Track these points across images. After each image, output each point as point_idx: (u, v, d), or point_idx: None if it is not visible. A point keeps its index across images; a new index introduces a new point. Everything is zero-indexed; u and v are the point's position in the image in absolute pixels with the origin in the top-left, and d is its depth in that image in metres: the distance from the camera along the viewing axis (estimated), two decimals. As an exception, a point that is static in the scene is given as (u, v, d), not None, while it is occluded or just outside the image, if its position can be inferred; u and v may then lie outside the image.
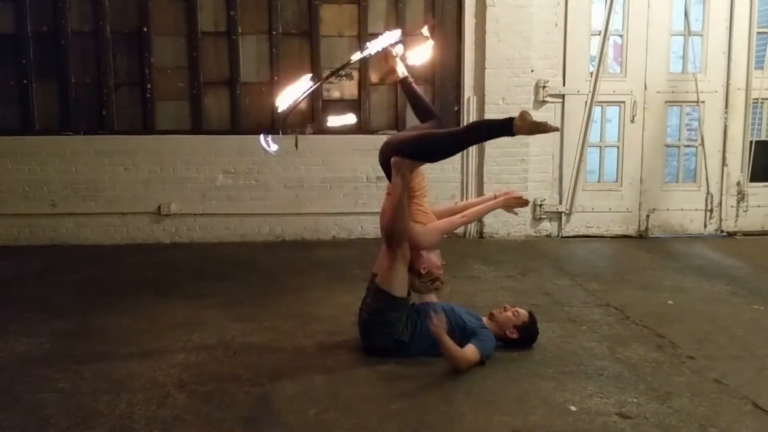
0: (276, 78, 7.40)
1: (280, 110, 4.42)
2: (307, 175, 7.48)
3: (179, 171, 7.43)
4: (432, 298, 4.17)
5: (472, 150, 7.45)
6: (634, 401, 3.39)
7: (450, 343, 3.70)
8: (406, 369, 3.77)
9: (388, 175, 4.00)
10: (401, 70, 4.25)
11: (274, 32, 7.38)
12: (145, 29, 7.29)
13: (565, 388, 3.56)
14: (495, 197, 4.26)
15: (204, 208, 7.48)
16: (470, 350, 3.76)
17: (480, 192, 7.47)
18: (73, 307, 5.02)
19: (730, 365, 3.87)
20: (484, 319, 4.10)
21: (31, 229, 7.37)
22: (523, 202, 4.22)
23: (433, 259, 4.06)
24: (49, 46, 7.29)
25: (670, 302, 5.17)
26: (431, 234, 4.00)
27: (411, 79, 4.29)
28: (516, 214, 4.46)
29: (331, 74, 5.62)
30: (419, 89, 4.38)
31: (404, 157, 3.89)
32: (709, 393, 3.50)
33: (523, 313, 4.13)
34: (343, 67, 5.51)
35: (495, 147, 7.46)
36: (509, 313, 4.10)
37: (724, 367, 3.84)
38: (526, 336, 4.10)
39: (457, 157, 7.21)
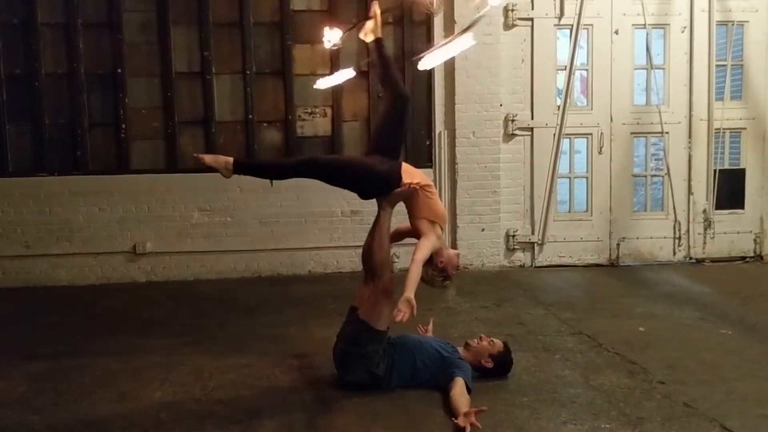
0: (250, 116, 7.49)
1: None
2: (282, 211, 7.53)
3: (154, 210, 7.44)
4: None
5: (445, 183, 7.57)
6: (606, 427, 3.47)
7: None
8: (382, 403, 3.82)
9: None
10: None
11: (248, 72, 7.49)
12: (119, 70, 7.36)
13: (539, 416, 3.63)
14: None
15: (180, 246, 7.48)
16: (462, 386, 3.80)
17: (453, 224, 7.58)
18: (48, 348, 4.99)
19: (700, 389, 3.98)
20: (460, 349, 4.18)
21: (4, 271, 7.30)
22: None
23: (452, 257, 4.16)
24: (22, 88, 7.31)
25: (641, 329, 5.28)
26: (424, 251, 4.01)
27: (383, 43, 4.34)
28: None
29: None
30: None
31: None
32: (679, 417, 3.60)
33: (498, 343, 4.21)
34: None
35: (467, 180, 7.60)
36: (485, 343, 4.18)
37: (694, 391, 3.95)
38: (501, 365, 4.17)
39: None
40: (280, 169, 4.39)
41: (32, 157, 7.39)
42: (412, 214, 4.13)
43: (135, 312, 6.18)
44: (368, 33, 4.29)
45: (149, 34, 7.43)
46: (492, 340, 4.20)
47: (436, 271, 4.07)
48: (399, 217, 4.22)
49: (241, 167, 3.99)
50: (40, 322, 5.86)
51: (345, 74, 5.08)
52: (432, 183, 4.24)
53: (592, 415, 3.62)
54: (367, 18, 4.31)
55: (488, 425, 3.48)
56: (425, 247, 3.93)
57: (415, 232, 4.10)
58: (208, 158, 3.97)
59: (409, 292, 3.72)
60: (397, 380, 3.99)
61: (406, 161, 4.31)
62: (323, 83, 5.23)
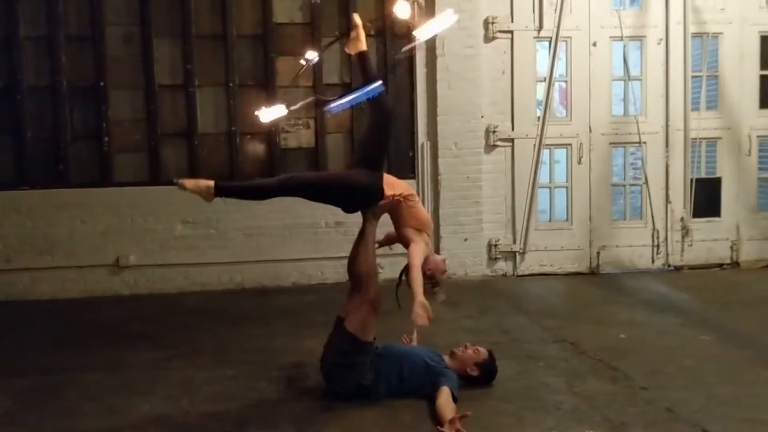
0: (234, 129, 7.52)
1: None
2: (266, 223, 7.54)
3: (137, 222, 7.42)
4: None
5: (428, 193, 7.65)
6: (591, 433, 3.54)
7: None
8: (370, 413, 3.86)
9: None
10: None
11: (231, 84, 7.52)
12: (102, 83, 7.35)
13: (525, 423, 3.69)
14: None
15: (163, 259, 7.46)
16: (448, 394, 3.84)
17: (437, 234, 7.64)
18: (32, 363, 4.96)
19: (681, 394, 4.06)
20: (445, 358, 4.23)
21: (-15, 285, 7.25)
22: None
23: (439, 263, 4.22)
24: (4, 101, 7.27)
25: (622, 336, 5.36)
26: (418, 255, 4.09)
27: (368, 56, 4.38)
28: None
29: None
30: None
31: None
32: (661, 422, 3.68)
33: (483, 351, 4.27)
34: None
35: (450, 191, 7.68)
36: (470, 351, 4.23)
37: (675, 396, 4.03)
38: (486, 373, 4.23)
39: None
40: (262, 190, 4.43)
41: (14, 170, 7.35)
42: (397, 224, 4.20)
43: (119, 325, 6.15)
44: (353, 46, 4.30)
45: (132, 47, 7.45)
46: (477, 349, 4.25)
47: (425, 278, 4.13)
48: (383, 228, 4.28)
49: (222, 191, 4.00)
50: (23, 337, 5.80)
51: (280, 110, 5.11)
52: (414, 192, 4.31)
53: (577, 421, 3.68)
54: (349, 31, 4.34)
55: (475, 433, 3.54)
56: (417, 252, 4.01)
57: (401, 242, 4.17)
58: (189, 183, 3.97)
59: (420, 296, 3.79)
60: (384, 390, 4.02)
61: (390, 172, 4.37)
62: (265, 115, 5.22)
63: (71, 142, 7.38)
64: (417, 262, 3.95)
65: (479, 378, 4.20)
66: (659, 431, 3.56)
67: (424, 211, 4.31)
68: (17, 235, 7.28)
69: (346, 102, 4.18)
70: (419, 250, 4.02)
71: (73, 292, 7.34)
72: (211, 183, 3.93)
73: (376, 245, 4.26)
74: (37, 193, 7.30)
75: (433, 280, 4.16)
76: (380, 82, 4.07)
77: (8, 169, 7.34)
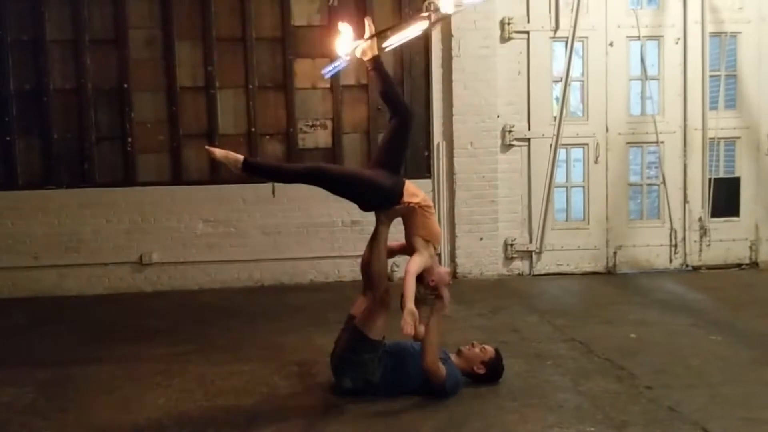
0: (253, 129, 7.67)
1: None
2: (284, 222, 7.69)
3: (160, 221, 7.61)
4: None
5: (444, 193, 7.73)
6: (591, 430, 3.60)
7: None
8: (377, 409, 3.96)
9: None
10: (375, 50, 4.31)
11: (251, 86, 7.66)
12: (125, 86, 7.55)
13: (527, 420, 3.76)
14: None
15: (185, 257, 7.64)
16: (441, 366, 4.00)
17: (452, 233, 7.73)
18: (56, 357, 5.15)
19: (685, 393, 4.09)
20: (452, 356, 4.31)
21: (14, 281, 7.47)
22: None
23: (443, 275, 4.30)
24: (31, 103, 7.51)
25: (632, 336, 5.39)
26: (417, 264, 4.18)
27: (382, 60, 4.37)
28: None
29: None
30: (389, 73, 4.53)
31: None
32: (662, 420, 3.73)
33: (489, 349, 4.35)
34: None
35: (465, 190, 7.75)
36: (476, 350, 4.32)
37: (679, 395, 4.07)
38: (492, 371, 4.30)
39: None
40: (286, 173, 4.53)
41: (41, 170, 7.57)
42: (408, 230, 4.29)
43: (141, 321, 6.34)
44: (365, 52, 4.31)
45: (154, 50, 7.62)
46: (483, 347, 4.34)
47: (428, 289, 4.22)
48: (393, 230, 4.37)
49: (249, 167, 4.13)
50: (49, 331, 6.02)
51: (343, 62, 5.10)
52: (432, 204, 4.37)
53: (578, 419, 3.75)
54: (369, 37, 4.31)
55: (477, 429, 3.63)
56: (418, 261, 4.10)
57: (408, 249, 4.26)
58: (219, 153, 4.10)
59: (410, 304, 3.89)
60: (391, 387, 4.12)
61: (406, 172, 4.48)
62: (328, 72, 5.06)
63: (96, 143, 7.59)
64: (414, 270, 4.04)
65: (485, 376, 4.28)
66: (659, 429, 3.60)
67: (437, 225, 4.39)
68: (44, 234, 7.51)
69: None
70: (421, 260, 4.11)
71: (98, 289, 7.56)
72: (240, 157, 4.05)
73: None
74: (64, 193, 7.53)
75: (436, 291, 4.25)
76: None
77: (36, 169, 7.58)
